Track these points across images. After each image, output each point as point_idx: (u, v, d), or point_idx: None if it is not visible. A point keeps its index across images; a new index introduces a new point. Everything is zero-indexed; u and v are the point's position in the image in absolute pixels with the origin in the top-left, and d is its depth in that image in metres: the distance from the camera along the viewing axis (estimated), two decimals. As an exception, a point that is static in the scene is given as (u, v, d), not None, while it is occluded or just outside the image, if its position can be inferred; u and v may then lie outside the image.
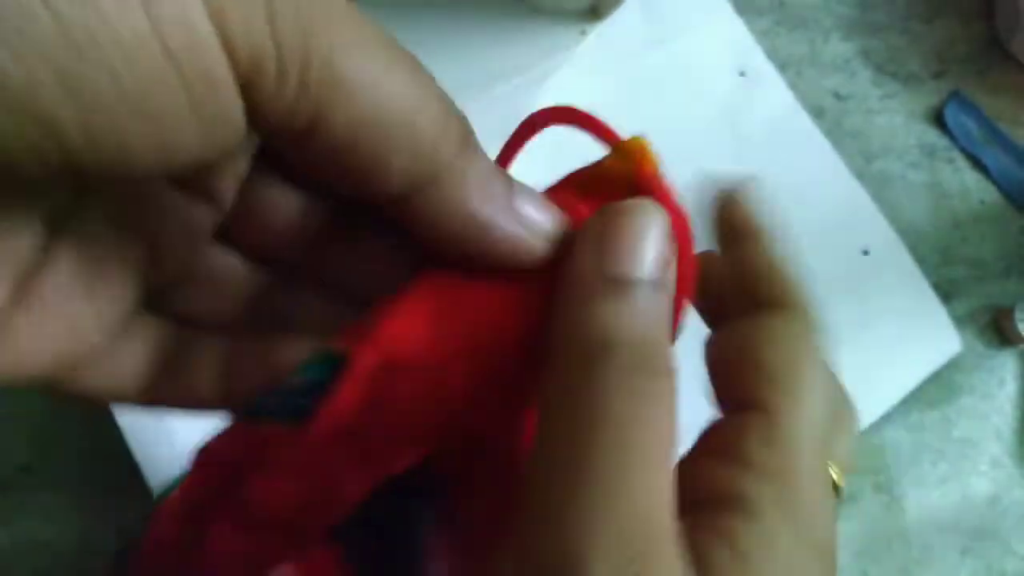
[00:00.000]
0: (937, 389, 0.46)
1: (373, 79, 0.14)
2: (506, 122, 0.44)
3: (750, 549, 0.15)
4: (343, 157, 0.15)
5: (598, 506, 0.14)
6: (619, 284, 0.16)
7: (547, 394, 0.16)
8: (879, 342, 0.46)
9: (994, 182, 0.52)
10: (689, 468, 0.17)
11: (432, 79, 0.16)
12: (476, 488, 0.20)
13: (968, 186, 0.52)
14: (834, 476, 0.20)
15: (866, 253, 0.48)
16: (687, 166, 0.54)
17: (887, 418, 0.45)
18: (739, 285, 0.20)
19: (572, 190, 0.19)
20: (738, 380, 0.19)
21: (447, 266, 0.17)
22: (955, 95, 0.53)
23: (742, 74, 0.50)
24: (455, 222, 0.16)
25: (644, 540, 0.14)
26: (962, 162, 0.52)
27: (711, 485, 0.17)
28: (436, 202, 0.16)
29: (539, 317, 0.17)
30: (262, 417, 0.17)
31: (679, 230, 0.17)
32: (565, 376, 0.15)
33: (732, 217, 0.21)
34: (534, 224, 0.17)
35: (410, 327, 0.17)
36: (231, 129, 0.13)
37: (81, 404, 0.18)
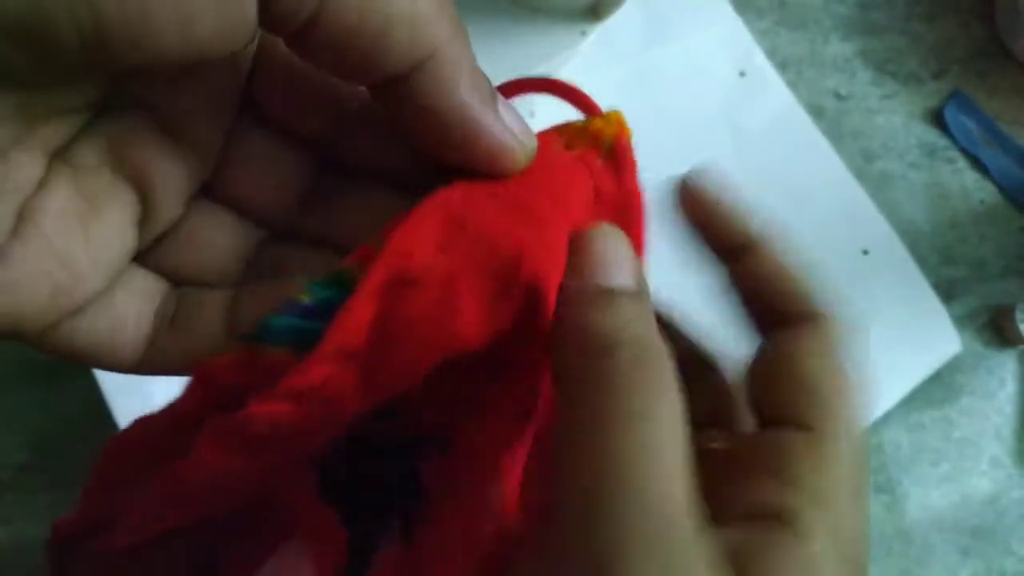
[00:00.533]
0: (937, 389, 0.46)
1: None
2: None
3: (796, 569, 0.16)
4: (348, 34, 0.16)
5: (627, 510, 0.15)
6: (611, 293, 0.17)
7: (559, 397, 0.17)
8: (879, 342, 0.45)
9: (994, 182, 0.52)
10: (740, 480, 0.19)
11: None
12: (471, 446, 0.20)
13: (968, 186, 0.52)
14: None
15: (866, 253, 0.48)
16: (687, 165, 0.54)
17: (887, 418, 0.45)
18: (759, 298, 0.22)
19: (556, 136, 0.21)
20: (778, 396, 0.20)
21: (448, 188, 0.18)
22: (955, 95, 0.53)
23: (742, 74, 0.50)
24: (447, 107, 0.17)
25: (671, 542, 0.15)
26: (962, 162, 0.52)
27: (761, 500, 0.18)
28: (431, 83, 0.16)
29: (544, 246, 0.18)
30: (269, 341, 0.17)
31: (635, 204, 0.20)
32: (576, 375, 0.16)
33: (728, 229, 0.22)
34: (516, 131, 0.18)
35: (420, 244, 0.17)
36: (243, 17, 0.14)
37: (83, 360, 0.18)
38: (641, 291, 0.18)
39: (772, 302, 0.21)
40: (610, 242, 0.18)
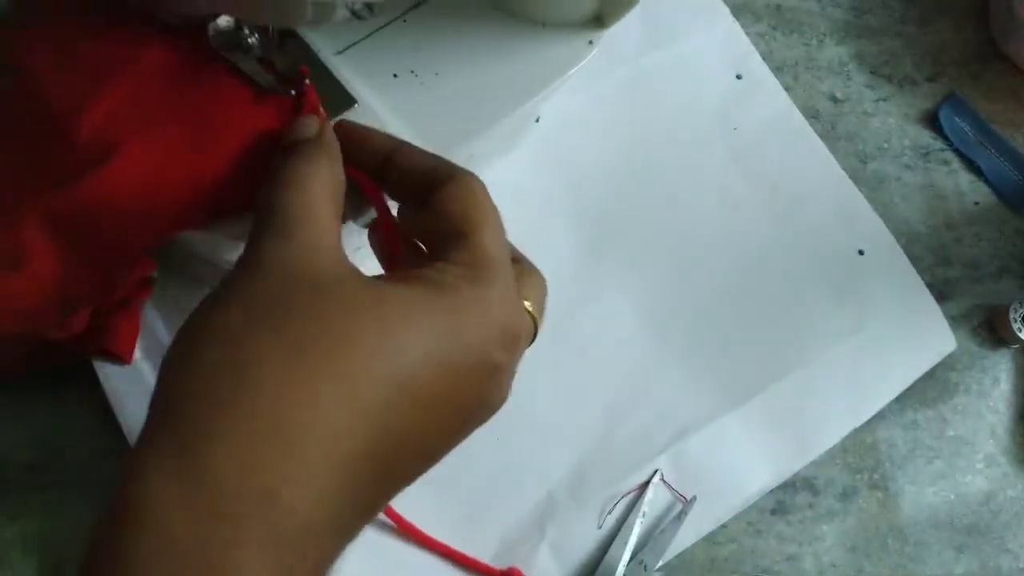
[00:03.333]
0: (932, 388, 0.47)
1: None
2: (519, 127, 0.45)
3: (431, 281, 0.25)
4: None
5: (290, 249, 0.25)
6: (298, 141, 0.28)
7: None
8: (874, 341, 0.46)
9: (988, 183, 0.53)
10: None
11: None
12: None
13: (962, 187, 0.52)
14: (529, 308, 0.28)
15: (861, 253, 0.48)
16: (684, 168, 0.54)
17: (882, 416, 0.45)
18: (412, 187, 0.28)
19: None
20: (439, 230, 0.27)
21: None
22: (950, 98, 0.54)
23: (738, 77, 0.51)
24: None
25: (323, 266, 0.25)
26: (956, 164, 0.53)
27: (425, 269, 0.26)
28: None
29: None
30: None
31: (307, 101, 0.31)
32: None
33: (372, 148, 0.29)
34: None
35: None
36: None
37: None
38: (313, 140, 0.28)
39: (423, 181, 0.28)
40: (301, 122, 0.29)
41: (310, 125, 0.29)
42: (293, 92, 0.31)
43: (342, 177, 0.28)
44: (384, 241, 0.30)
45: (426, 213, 0.27)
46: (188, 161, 0.29)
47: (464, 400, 0.25)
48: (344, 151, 0.29)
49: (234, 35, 0.31)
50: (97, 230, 0.29)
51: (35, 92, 0.30)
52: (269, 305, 0.23)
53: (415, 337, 0.23)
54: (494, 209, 0.27)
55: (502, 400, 0.27)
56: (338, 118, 0.31)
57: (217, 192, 0.30)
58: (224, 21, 0.31)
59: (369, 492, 0.23)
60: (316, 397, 0.22)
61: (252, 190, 0.27)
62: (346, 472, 0.22)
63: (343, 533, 0.23)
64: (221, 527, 0.20)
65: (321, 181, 0.26)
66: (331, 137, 0.29)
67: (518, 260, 0.30)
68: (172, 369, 0.23)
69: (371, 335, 0.23)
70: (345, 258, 0.26)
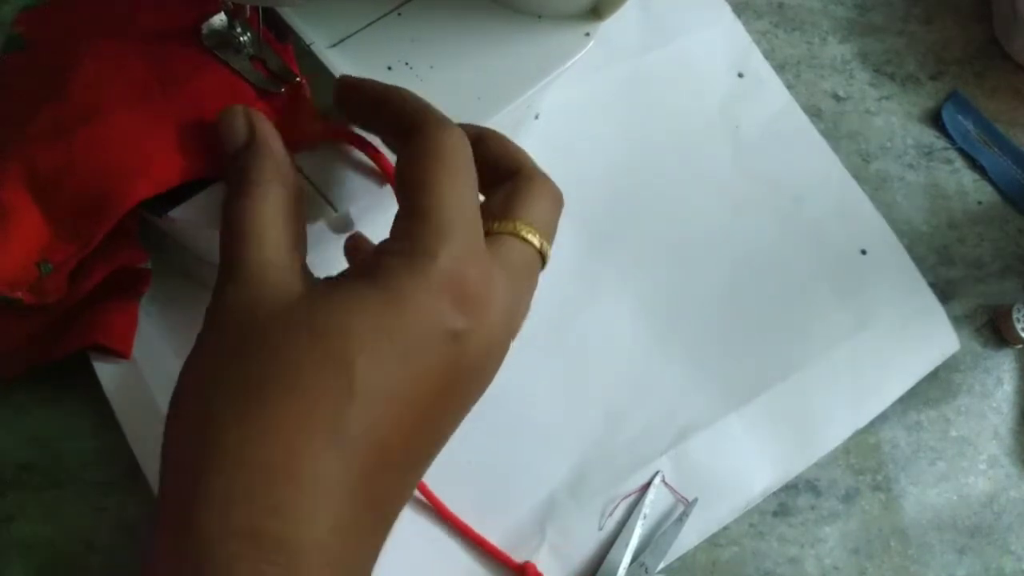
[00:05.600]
0: (935, 388, 0.47)
1: None
2: (518, 124, 0.45)
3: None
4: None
5: (245, 270, 0.26)
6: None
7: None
8: (877, 341, 0.46)
9: (991, 183, 0.52)
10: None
11: None
12: None
13: (966, 187, 0.52)
14: (534, 241, 0.27)
15: (864, 253, 0.48)
16: (686, 166, 0.54)
17: (885, 417, 0.45)
18: (395, 133, 0.28)
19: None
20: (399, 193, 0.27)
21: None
22: (953, 96, 0.54)
23: (740, 75, 0.51)
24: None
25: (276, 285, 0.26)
26: (960, 163, 0.52)
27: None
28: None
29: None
30: None
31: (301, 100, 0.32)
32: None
33: (398, 111, 0.28)
34: None
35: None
36: None
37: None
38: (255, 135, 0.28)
39: (401, 133, 0.28)
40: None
41: (237, 129, 0.28)
42: (283, 90, 0.32)
43: (288, 183, 0.27)
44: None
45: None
46: (170, 120, 0.30)
47: (434, 382, 0.24)
48: (343, 101, 0.29)
49: (226, 34, 0.32)
50: (78, 188, 0.29)
51: (37, 59, 0.31)
52: (224, 355, 0.24)
53: (358, 341, 0.23)
54: (456, 163, 0.26)
55: (489, 357, 0.26)
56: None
57: (197, 152, 0.30)
58: (217, 20, 0.31)
59: (365, 498, 0.23)
60: (277, 433, 0.22)
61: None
62: (331, 489, 0.22)
63: (355, 540, 0.23)
64: (212, 571, 0.21)
65: (259, 208, 0.26)
66: (264, 139, 0.28)
67: (515, 171, 0.29)
68: (166, 434, 0.24)
69: (317, 355, 0.23)
70: (297, 276, 0.25)
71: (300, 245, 0.27)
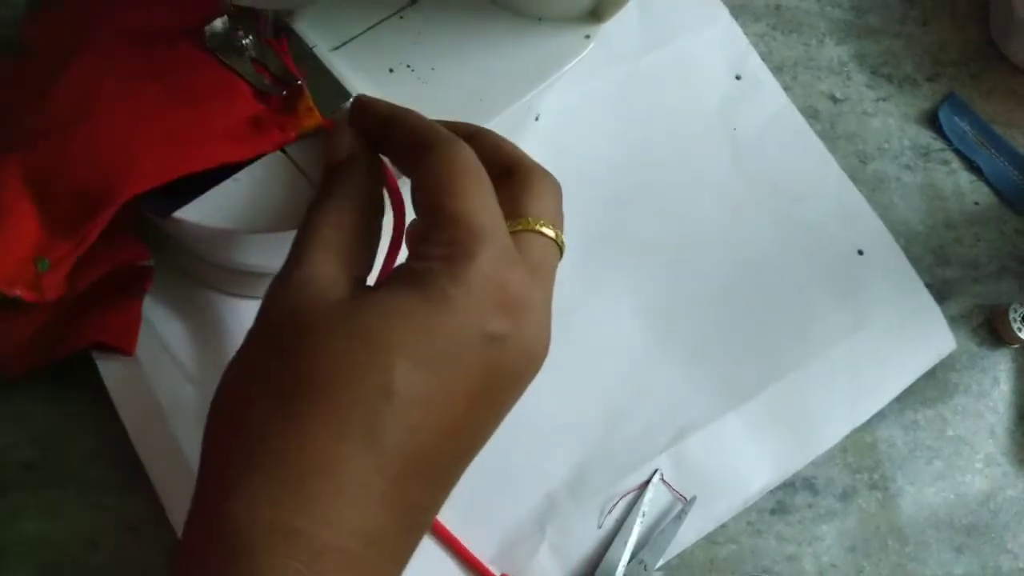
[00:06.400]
0: (932, 388, 0.47)
1: None
2: (519, 125, 0.45)
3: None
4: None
5: (298, 280, 0.26)
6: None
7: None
8: (874, 341, 0.46)
9: (988, 183, 0.53)
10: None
11: None
12: None
13: (962, 187, 0.52)
14: (551, 234, 0.28)
15: (861, 253, 0.48)
16: (683, 168, 0.54)
17: (882, 416, 0.45)
18: (404, 153, 0.29)
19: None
20: (420, 208, 0.27)
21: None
22: (949, 97, 0.54)
23: (738, 77, 0.51)
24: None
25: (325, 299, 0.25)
26: (956, 164, 0.53)
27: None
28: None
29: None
30: None
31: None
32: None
33: (411, 132, 0.29)
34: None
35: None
36: None
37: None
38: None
39: (412, 152, 0.28)
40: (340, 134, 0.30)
41: (338, 145, 0.29)
42: (284, 93, 0.32)
43: (365, 205, 0.28)
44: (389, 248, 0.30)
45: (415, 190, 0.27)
46: (163, 115, 0.30)
47: (472, 386, 0.25)
48: (356, 122, 0.30)
49: (228, 36, 0.32)
50: (72, 184, 0.29)
51: (35, 58, 0.32)
52: (268, 353, 0.25)
53: (399, 345, 0.24)
54: (474, 174, 0.26)
55: (529, 360, 0.27)
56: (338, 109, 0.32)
57: (191, 148, 0.30)
58: (220, 23, 0.32)
59: (395, 504, 0.24)
60: (312, 434, 0.23)
61: (226, 148, 0.29)
62: (360, 492, 0.23)
63: (382, 546, 0.24)
64: (238, 559, 0.22)
65: (327, 220, 0.27)
66: (355, 160, 0.29)
67: (512, 167, 0.29)
68: (208, 421, 0.25)
69: (357, 359, 0.23)
70: (346, 286, 0.26)
71: (361, 261, 0.27)
